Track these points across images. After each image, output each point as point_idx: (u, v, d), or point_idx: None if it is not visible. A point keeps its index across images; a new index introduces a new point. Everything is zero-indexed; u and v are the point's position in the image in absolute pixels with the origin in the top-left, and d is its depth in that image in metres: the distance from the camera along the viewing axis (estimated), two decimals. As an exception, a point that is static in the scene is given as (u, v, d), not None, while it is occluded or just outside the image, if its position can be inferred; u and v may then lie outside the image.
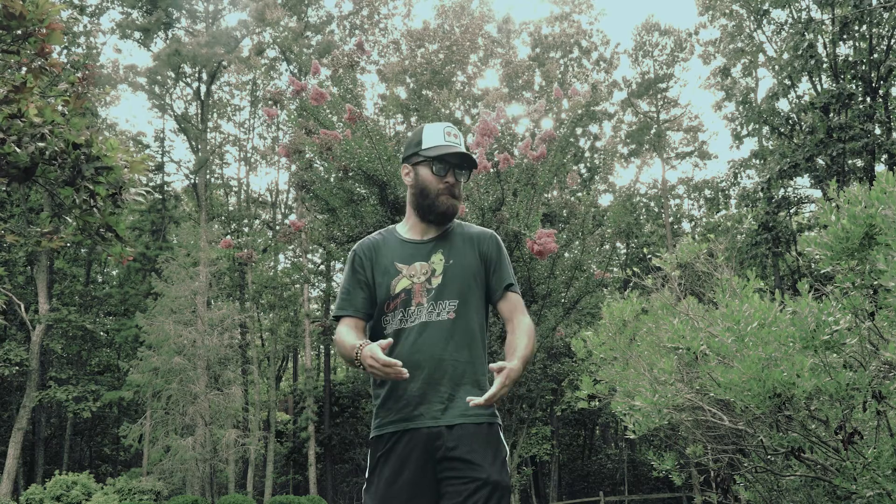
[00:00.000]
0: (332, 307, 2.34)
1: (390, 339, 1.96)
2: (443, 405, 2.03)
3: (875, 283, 2.75)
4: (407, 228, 2.26)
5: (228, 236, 27.63)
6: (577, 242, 13.29)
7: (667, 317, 3.86)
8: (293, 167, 14.69)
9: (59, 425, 27.90)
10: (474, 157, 2.19)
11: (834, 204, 2.88)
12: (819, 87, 19.90)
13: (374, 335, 2.17)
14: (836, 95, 17.95)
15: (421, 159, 2.19)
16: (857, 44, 19.15)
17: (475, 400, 1.89)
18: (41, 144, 3.33)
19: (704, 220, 30.53)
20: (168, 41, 26.20)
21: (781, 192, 21.22)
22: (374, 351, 1.89)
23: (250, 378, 26.72)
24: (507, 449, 2.10)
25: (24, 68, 3.46)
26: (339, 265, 31.81)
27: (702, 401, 3.59)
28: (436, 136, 2.19)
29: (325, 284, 30.61)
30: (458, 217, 2.24)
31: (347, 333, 2.09)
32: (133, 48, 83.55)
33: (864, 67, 18.58)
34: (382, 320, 2.15)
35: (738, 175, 24.30)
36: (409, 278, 2.13)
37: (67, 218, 3.82)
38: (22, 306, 5.11)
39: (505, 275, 2.23)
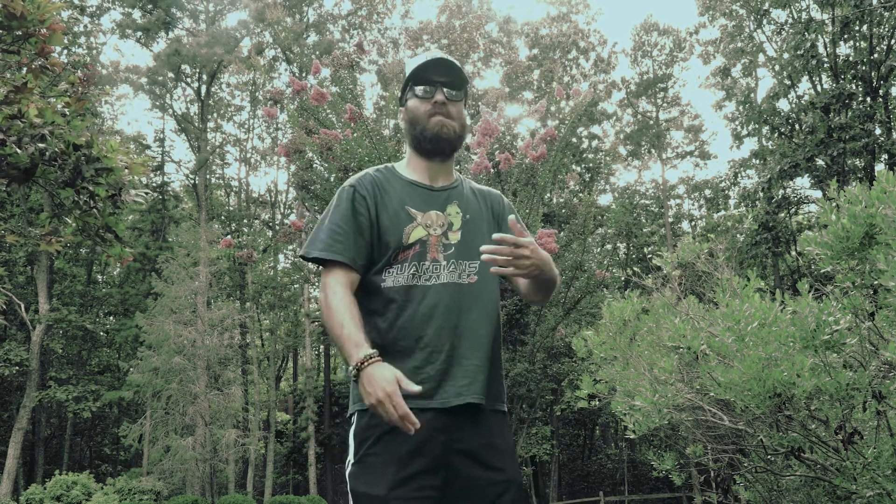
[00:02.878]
0: (306, 245, 1.82)
1: (419, 388, 1.51)
2: (468, 380, 1.70)
3: (875, 282, 2.75)
4: (409, 169, 1.90)
5: (228, 236, 27.65)
6: (576, 243, 13.30)
7: (667, 316, 3.87)
8: (293, 167, 14.70)
9: (59, 425, 27.91)
10: (458, 66, 1.85)
11: (834, 204, 2.88)
12: (819, 87, 19.91)
13: (367, 287, 1.78)
14: (837, 95, 17.96)
15: (408, 91, 1.90)
16: (857, 44, 19.15)
17: (499, 236, 1.58)
18: (41, 145, 3.33)
19: (704, 220, 30.54)
20: (168, 41, 26.21)
21: (781, 192, 21.23)
22: (394, 388, 1.48)
23: (250, 378, 26.72)
24: None
25: (25, 68, 3.47)
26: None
27: (702, 401, 3.59)
28: (417, 60, 1.89)
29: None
30: (459, 146, 1.91)
31: (346, 306, 1.66)
32: (134, 48, 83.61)
33: (864, 67, 18.58)
34: (384, 271, 1.77)
35: (738, 175, 24.31)
36: (425, 228, 1.79)
37: (67, 219, 3.81)
38: (22, 306, 5.11)
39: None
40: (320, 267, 1.80)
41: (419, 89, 1.85)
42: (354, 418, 1.75)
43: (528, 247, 1.58)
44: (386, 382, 1.49)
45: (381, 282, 1.76)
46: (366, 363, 1.54)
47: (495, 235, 1.57)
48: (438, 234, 1.80)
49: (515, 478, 1.75)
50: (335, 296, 1.68)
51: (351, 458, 1.71)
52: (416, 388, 1.50)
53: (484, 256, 1.56)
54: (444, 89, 1.83)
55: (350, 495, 1.69)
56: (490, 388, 1.75)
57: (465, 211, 1.85)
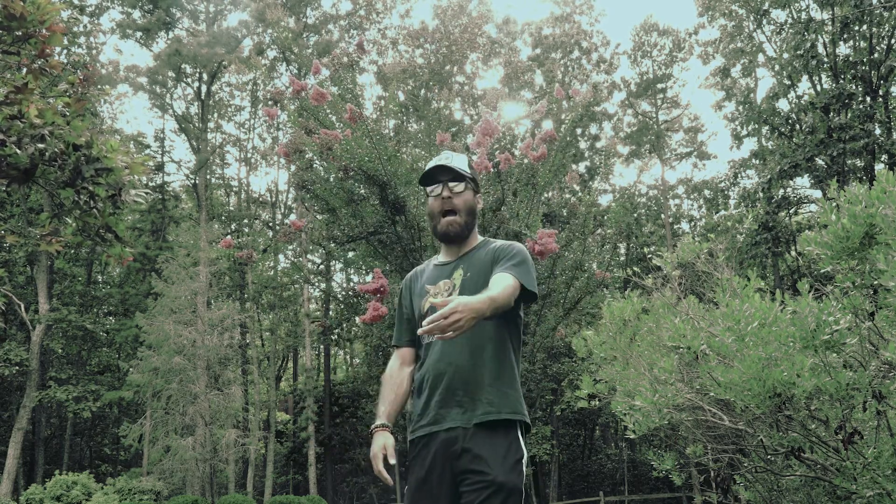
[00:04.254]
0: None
1: (393, 461, 2.12)
2: (462, 408, 2.14)
3: (875, 282, 2.75)
4: (442, 252, 2.45)
5: (228, 236, 27.65)
6: (577, 242, 13.29)
7: (667, 316, 3.86)
8: (293, 167, 14.71)
9: (59, 425, 27.91)
10: (456, 166, 2.31)
11: (834, 204, 2.88)
12: (819, 87, 19.91)
13: (420, 345, 2.39)
14: (837, 95, 17.96)
15: (424, 192, 2.43)
16: (857, 44, 19.15)
17: (433, 300, 2.15)
18: (41, 145, 3.33)
19: (704, 220, 30.54)
20: (168, 41, 26.22)
21: (781, 192, 21.23)
22: (378, 453, 2.11)
23: (250, 378, 26.73)
24: (525, 451, 2.15)
25: (25, 69, 3.46)
26: (339, 265, 31.86)
27: (702, 400, 3.59)
28: (429, 165, 2.35)
29: (324, 284, 30.63)
30: (470, 231, 2.36)
31: (388, 383, 2.33)
32: (134, 48, 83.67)
33: (864, 67, 18.58)
34: (421, 339, 2.32)
35: (738, 175, 24.32)
36: (433, 296, 2.31)
37: (67, 219, 3.82)
38: (22, 306, 5.11)
39: (513, 266, 2.22)
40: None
41: (430, 189, 2.34)
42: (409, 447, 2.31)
43: (456, 309, 1.82)
44: (375, 447, 2.13)
45: (422, 341, 2.33)
46: (373, 431, 2.18)
47: (427, 319, 1.84)
48: (445, 298, 2.13)
49: (499, 478, 2.03)
50: (389, 366, 2.40)
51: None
52: (386, 467, 2.10)
53: (419, 331, 1.86)
54: (450, 185, 2.29)
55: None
56: (490, 404, 2.13)
57: (466, 271, 2.30)
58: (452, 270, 2.33)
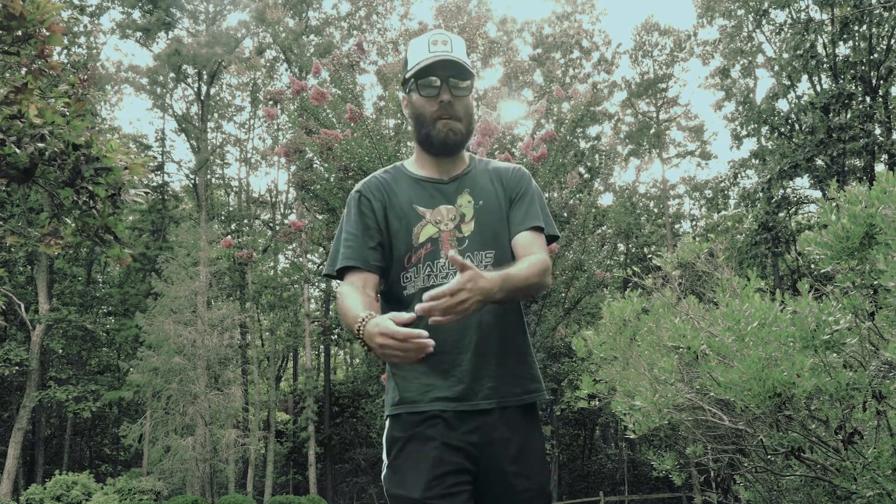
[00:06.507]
0: (326, 264, 1.84)
1: (413, 314, 1.44)
2: (494, 381, 1.67)
3: (875, 282, 2.75)
4: (417, 165, 1.85)
5: (228, 236, 27.65)
6: (577, 242, 13.29)
7: (667, 316, 3.86)
8: (293, 167, 14.72)
9: (59, 425, 27.90)
10: (460, 59, 1.73)
11: (834, 204, 2.88)
12: (819, 88, 19.91)
13: (391, 298, 1.77)
14: (836, 95, 17.96)
15: (411, 84, 1.79)
16: (856, 44, 19.15)
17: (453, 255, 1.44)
18: (41, 145, 3.33)
19: (704, 220, 30.54)
20: (168, 41, 26.23)
21: (781, 192, 21.23)
22: (385, 325, 1.41)
23: (250, 378, 26.72)
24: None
25: (24, 69, 3.46)
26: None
27: (702, 400, 3.59)
28: (420, 50, 1.76)
29: (324, 284, 30.63)
30: (468, 142, 1.83)
31: (352, 296, 1.64)
32: (134, 48, 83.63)
33: (863, 67, 18.58)
34: (402, 277, 1.74)
35: (738, 175, 24.31)
36: (434, 224, 1.74)
37: (67, 219, 3.81)
38: (22, 306, 5.12)
39: (532, 212, 1.80)
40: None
41: (423, 86, 1.74)
42: (387, 423, 1.74)
43: (466, 286, 1.42)
44: (378, 330, 1.43)
45: (402, 290, 1.74)
46: (361, 326, 1.49)
47: (428, 294, 1.42)
48: (451, 229, 1.74)
49: (542, 484, 1.70)
50: (343, 293, 1.67)
51: (385, 461, 1.71)
52: (408, 316, 1.43)
53: (417, 308, 1.43)
54: (451, 83, 1.73)
55: (387, 498, 1.69)
56: (517, 383, 1.70)
57: (477, 198, 1.78)
58: (455, 194, 1.78)
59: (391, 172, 1.86)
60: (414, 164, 1.86)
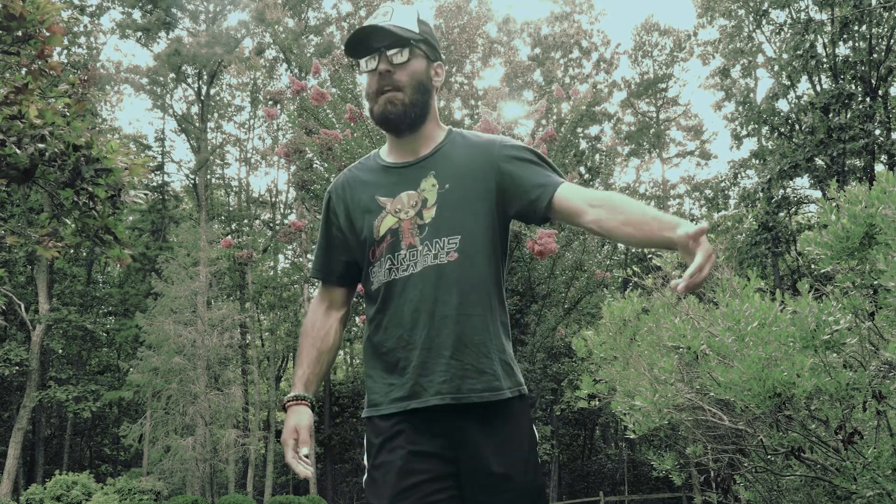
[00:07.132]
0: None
1: (306, 450, 1.58)
2: (446, 375, 1.53)
3: (875, 282, 2.75)
4: (388, 150, 1.75)
5: (228, 236, 27.65)
6: (577, 242, 13.29)
7: (667, 316, 3.86)
8: (293, 167, 14.73)
9: (59, 425, 27.91)
10: (393, 26, 1.59)
11: (834, 204, 2.88)
12: (819, 88, 19.91)
13: (366, 294, 1.71)
14: (836, 95, 17.96)
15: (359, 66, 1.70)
16: (856, 44, 19.15)
17: (677, 283, 1.29)
18: (41, 146, 3.33)
19: (704, 220, 30.53)
20: (169, 41, 26.24)
21: (781, 192, 21.23)
22: (299, 423, 1.60)
23: (250, 378, 26.73)
24: (536, 431, 1.67)
25: (25, 69, 3.47)
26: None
27: (702, 400, 3.59)
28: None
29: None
30: (419, 112, 1.66)
31: (306, 330, 1.73)
32: (134, 48, 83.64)
33: (863, 67, 18.58)
34: (370, 273, 1.65)
35: (738, 175, 24.31)
36: (394, 214, 1.62)
37: (67, 220, 3.82)
38: (22, 306, 5.12)
39: (543, 175, 1.63)
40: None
41: (365, 63, 1.64)
42: (366, 426, 1.70)
43: (710, 259, 1.31)
44: (286, 431, 1.61)
45: (370, 285, 1.66)
46: (286, 405, 1.65)
47: (684, 284, 1.28)
48: (411, 217, 1.61)
49: (528, 483, 1.58)
50: (306, 320, 1.77)
51: (365, 465, 1.65)
52: (304, 472, 1.57)
53: (679, 289, 1.29)
54: (388, 54, 1.60)
55: None
56: (478, 378, 1.55)
57: (442, 180, 1.62)
58: (418, 177, 1.64)
59: (364, 163, 1.80)
60: (385, 149, 1.77)
